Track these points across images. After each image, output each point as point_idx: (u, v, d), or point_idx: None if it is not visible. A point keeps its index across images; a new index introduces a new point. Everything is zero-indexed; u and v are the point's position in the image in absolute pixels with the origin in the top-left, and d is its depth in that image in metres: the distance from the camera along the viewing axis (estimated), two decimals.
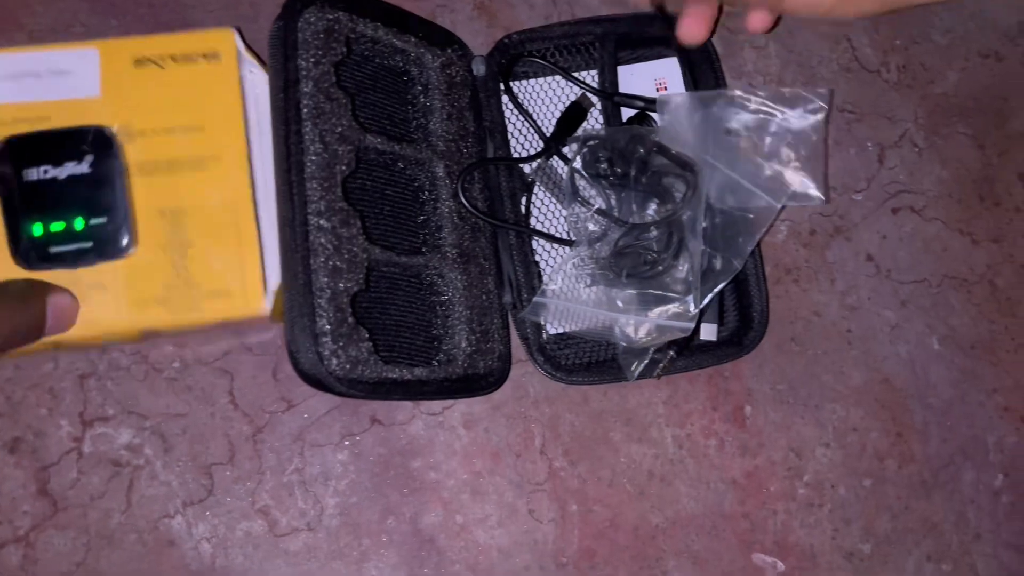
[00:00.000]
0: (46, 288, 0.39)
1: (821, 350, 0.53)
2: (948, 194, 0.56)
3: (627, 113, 0.53)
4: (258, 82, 0.45)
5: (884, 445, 0.53)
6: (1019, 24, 0.58)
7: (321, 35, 0.44)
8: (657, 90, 0.54)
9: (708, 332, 0.51)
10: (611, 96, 0.52)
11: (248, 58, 0.45)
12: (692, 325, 0.47)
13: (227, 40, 0.45)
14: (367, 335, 0.42)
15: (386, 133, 0.47)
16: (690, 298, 0.47)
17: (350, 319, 0.41)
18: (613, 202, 0.51)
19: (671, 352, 0.50)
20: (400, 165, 0.48)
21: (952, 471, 0.53)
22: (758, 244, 0.51)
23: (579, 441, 0.51)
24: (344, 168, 0.43)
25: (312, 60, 0.43)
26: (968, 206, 0.56)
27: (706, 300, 0.48)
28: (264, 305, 0.42)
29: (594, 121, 0.53)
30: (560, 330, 0.51)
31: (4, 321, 0.36)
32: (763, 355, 0.53)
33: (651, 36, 0.53)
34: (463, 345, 0.47)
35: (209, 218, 0.43)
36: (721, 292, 0.52)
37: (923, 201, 0.56)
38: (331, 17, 0.44)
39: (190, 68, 0.44)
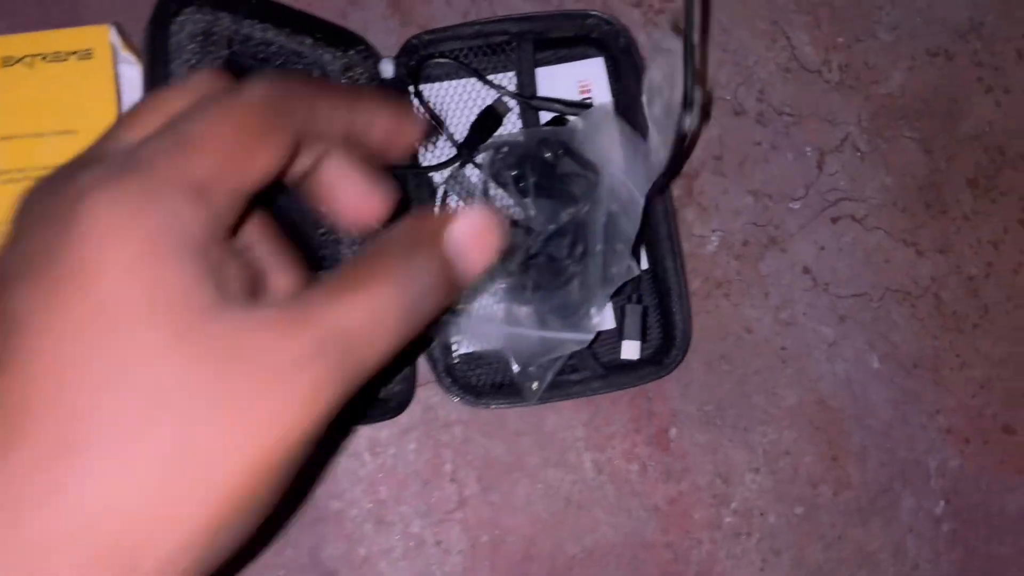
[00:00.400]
0: (444, 222, 0.22)
1: (752, 369, 0.50)
2: (892, 202, 0.53)
3: (547, 118, 0.50)
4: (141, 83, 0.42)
5: (818, 470, 0.50)
6: (970, 20, 0.54)
7: (199, 38, 0.41)
8: (580, 93, 0.51)
9: (630, 350, 0.48)
10: (528, 100, 0.49)
11: (127, 56, 0.43)
12: (590, 337, 0.44)
13: (101, 37, 0.42)
14: None
15: None
16: (593, 307, 0.44)
17: None
18: (531, 212, 0.48)
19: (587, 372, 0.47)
20: None
21: (890, 497, 0.50)
22: (681, 255, 0.48)
23: (492, 466, 0.48)
24: None
25: (187, 67, 0.40)
26: (913, 215, 0.53)
27: (603, 309, 0.45)
28: None
29: (511, 127, 0.50)
30: (470, 349, 0.48)
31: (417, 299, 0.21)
32: (690, 374, 0.50)
33: (574, 36, 0.50)
34: None
35: None
36: (645, 308, 0.49)
37: (865, 209, 0.52)
38: (210, 19, 0.41)
39: (61, 68, 0.42)
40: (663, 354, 0.48)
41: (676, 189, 0.51)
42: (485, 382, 0.48)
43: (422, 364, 0.48)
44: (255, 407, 0.17)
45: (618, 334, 0.49)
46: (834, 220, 0.52)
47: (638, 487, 0.49)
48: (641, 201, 0.45)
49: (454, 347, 0.48)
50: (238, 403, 0.17)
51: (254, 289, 0.22)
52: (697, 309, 0.50)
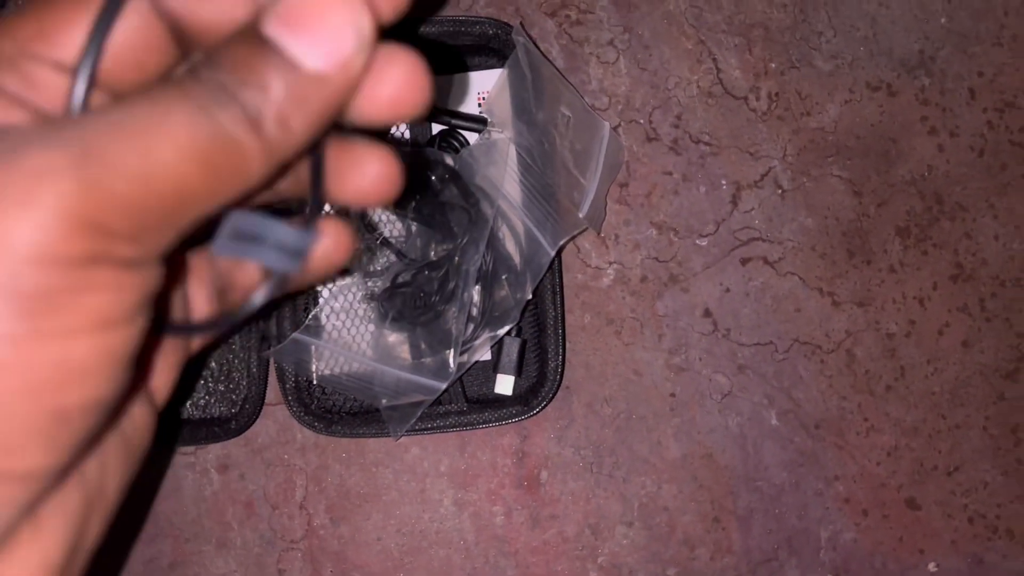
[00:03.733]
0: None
1: (637, 415, 0.47)
2: (811, 246, 0.48)
3: (438, 128, 0.47)
4: None
5: (697, 530, 0.46)
6: (920, 53, 0.50)
7: None
8: (479, 105, 0.48)
9: (504, 385, 0.45)
10: None
11: None
12: (443, 386, 0.41)
13: None
14: None
15: None
16: (450, 353, 0.41)
17: None
18: (408, 235, 0.45)
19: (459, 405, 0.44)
20: None
21: (773, 567, 0.46)
22: (561, 289, 0.45)
23: (346, 497, 0.46)
24: None
25: None
26: (833, 262, 0.48)
27: (477, 355, 0.42)
28: None
29: (399, 135, 0.47)
30: (328, 371, 0.45)
31: None
32: (570, 414, 0.47)
33: (472, 44, 0.47)
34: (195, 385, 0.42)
35: None
36: (524, 341, 0.46)
37: (779, 252, 0.48)
38: None
39: None
40: (533, 394, 0.45)
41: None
42: (341, 408, 0.45)
43: (275, 384, 0.45)
44: None
45: (494, 366, 0.45)
46: (744, 261, 0.48)
47: (500, 531, 0.46)
48: (551, 253, 0.43)
49: (314, 369, 0.45)
50: None
51: None
52: (585, 346, 0.47)
